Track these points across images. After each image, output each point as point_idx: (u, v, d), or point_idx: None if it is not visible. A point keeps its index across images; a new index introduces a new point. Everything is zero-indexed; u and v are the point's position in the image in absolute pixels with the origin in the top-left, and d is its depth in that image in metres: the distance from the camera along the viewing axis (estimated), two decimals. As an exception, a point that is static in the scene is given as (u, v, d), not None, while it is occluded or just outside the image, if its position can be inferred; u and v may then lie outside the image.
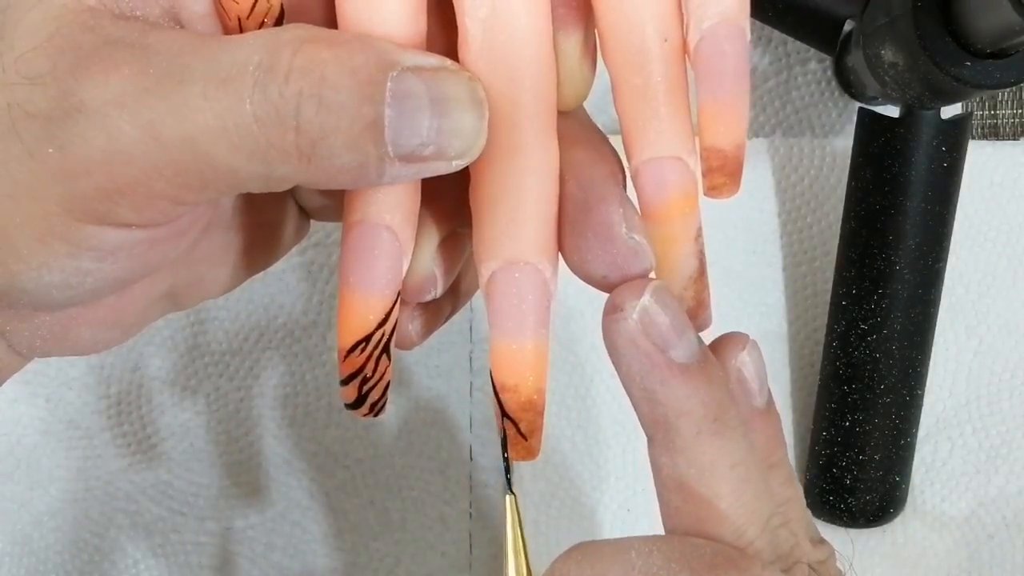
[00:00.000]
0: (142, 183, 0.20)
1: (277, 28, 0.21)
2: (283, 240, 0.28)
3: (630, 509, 0.44)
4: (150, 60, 0.20)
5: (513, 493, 0.24)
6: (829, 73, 0.47)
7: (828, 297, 0.43)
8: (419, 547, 0.45)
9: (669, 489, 0.22)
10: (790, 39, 0.46)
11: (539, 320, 0.22)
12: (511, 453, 0.23)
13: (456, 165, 0.21)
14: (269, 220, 0.27)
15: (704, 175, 0.22)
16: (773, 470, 0.23)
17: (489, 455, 0.46)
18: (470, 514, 0.45)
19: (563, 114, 0.23)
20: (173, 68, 0.20)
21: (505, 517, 0.24)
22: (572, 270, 0.23)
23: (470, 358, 0.46)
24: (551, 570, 0.22)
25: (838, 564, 0.23)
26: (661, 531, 0.23)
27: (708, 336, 0.47)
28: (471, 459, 0.46)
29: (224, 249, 0.26)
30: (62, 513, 0.45)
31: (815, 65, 0.47)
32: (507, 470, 0.24)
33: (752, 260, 0.46)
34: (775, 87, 0.47)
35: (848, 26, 0.41)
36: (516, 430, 0.23)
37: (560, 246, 0.23)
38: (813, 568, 0.22)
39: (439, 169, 0.21)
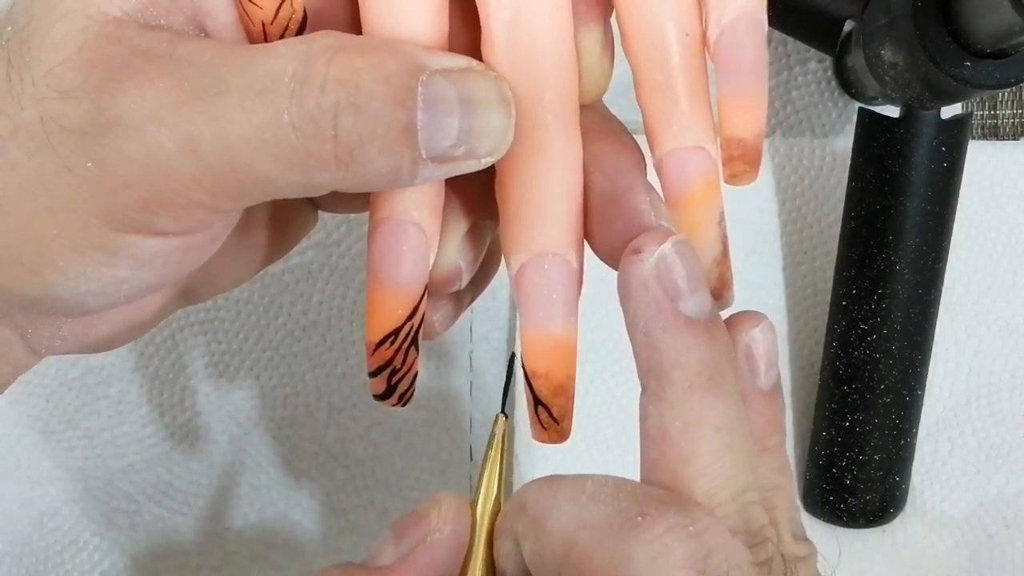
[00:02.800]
0: (181, 194, 0.20)
1: (308, 36, 0.21)
2: (295, 233, 0.28)
3: (630, 509, 0.44)
4: (183, 72, 0.20)
5: (505, 415, 0.25)
6: (829, 73, 0.47)
7: (828, 297, 0.43)
8: (419, 547, 0.45)
9: (651, 440, 0.22)
10: (790, 39, 0.46)
11: (568, 308, 0.23)
12: (544, 436, 0.24)
13: (485, 163, 0.22)
14: (280, 214, 0.27)
15: (724, 163, 0.23)
16: (766, 453, 0.24)
17: (489, 455, 0.46)
18: (470, 514, 0.45)
19: (584, 108, 0.23)
20: (207, 80, 0.20)
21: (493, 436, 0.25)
22: (602, 259, 0.23)
23: (470, 358, 0.46)
24: (516, 493, 0.23)
25: (819, 568, 0.23)
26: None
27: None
28: (471, 459, 0.46)
29: (237, 245, 0.27)
30: (62, 513, 0.45)
31: (815, 65, 0.47)
32: (505, 393, 0.25)
33: (752, 260, 0.46)
34: (775, 87, 0.47)
35: (848, 26, 0.41)
36: (548, 414, 0.23)
37: (589, 237, 0.23)
38: (787, 561, 0.22)
39: (469, 167, 0.21)
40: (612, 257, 0.23)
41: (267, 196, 0.21)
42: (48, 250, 0.21)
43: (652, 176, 0.24)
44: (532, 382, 0.23)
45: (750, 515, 0.22)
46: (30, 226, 0.21)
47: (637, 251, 0.22)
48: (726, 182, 0.23)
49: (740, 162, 0.23)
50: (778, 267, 0.46)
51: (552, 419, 0.23)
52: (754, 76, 0.22)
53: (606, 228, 0.23)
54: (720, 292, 0.24)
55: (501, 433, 0.25)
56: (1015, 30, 0.32)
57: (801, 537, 0.23)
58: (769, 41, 0.47)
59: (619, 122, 0.24)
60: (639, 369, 0.23)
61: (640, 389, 0.23)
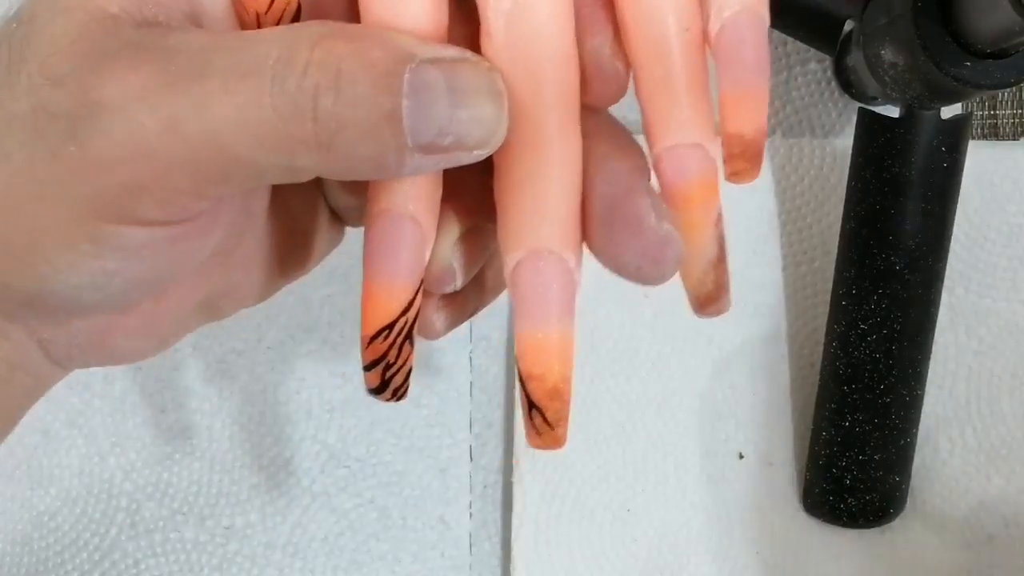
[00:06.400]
0: (164, 177, 0.20)
1: (296, 24, 0.21)
2: (317, 246, 0.28)
3: (630, 509, 0.44)
4: (171, 58, 0.20)
5: None
6: (829, 73, 0.47)
7: (828, 297, 0.43)
8: (419, 547, 0.45)
9: None
10: (790, 39, 0.46)
11: (564, 309, 0.22)
12: (538, 441, 0.23)
13: (477, 155, 0.21)
14: (302, 226, 0.27)
15: (726, 161, 0.23)
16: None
17: (489, 455, 0.46)
18: (470, 514, 0.45)
19: (586, 111, 0.23)
20: (193, 64, 0.20)
21: None
22: (604, 263, 0.23)
23: (470, 358, 0.46)
24: None
25: None
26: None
27: (711, 338, 0.47)
28: (471, 459, 0.46)
29: (258, 256, 0.27)
30: (62, 513, 0.45)
31: (815, 65, 0.47)
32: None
33: (752, 260, 0.46)
34: (775, 87, 0.47)
35: (848, 26, 0.41)
36: (542, 419, 0.23)
37: (590, 241, 0.23)
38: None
39: (460, 159, 0.21)
40: (614, 262, 0.23)
41: (252, 181, 0.21)
42: (38, 241, 0.21)
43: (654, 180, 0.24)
44: (526, 384, 0.23)
45: None
46: (20, 216, 0.21)
47: None
48: (727, 180, 0.23)
49: (741, 159, 0.23)
50: (778, 267, 0.46)
51: (546, 424, 0.23)
52: (756, 72, 0.22)
53: (607, 233, 0.23)
54: (716, 296, 0.24)
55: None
56: (1015, 30, 0.32)
57: None
58: (769, 41, 0.47)
59: (621, 125, 0.24)
60: None
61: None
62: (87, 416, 0.45)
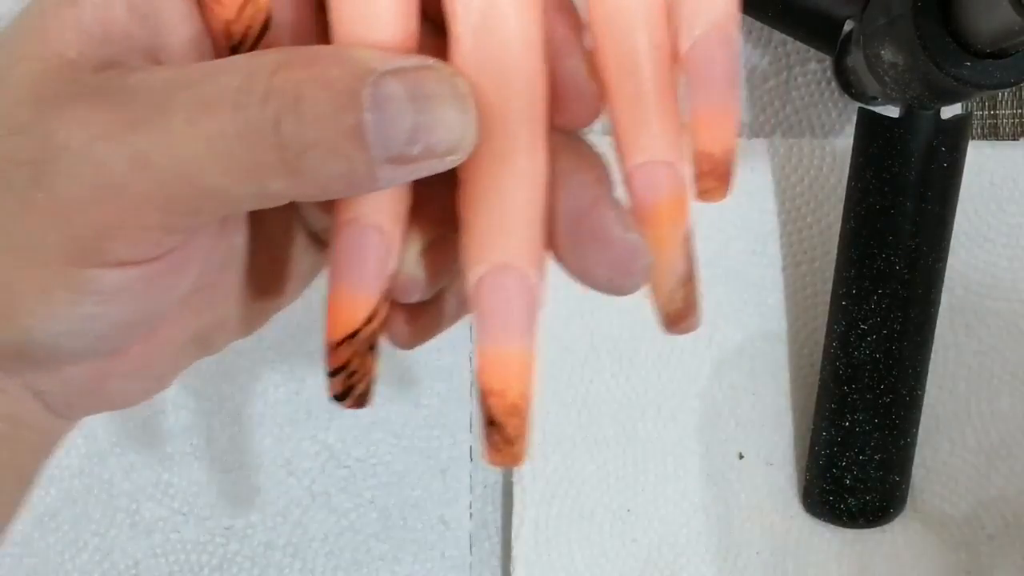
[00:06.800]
0: (134, 215, 0.20)
1: (257, 52, 0.21)
2: (300, 272, 0.28)
3: (630, 509, 0.44)
4: (133, 98, 0.20)
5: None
6: (829, 73, 0.47)
7: (828, 297, 0.43)
8: (419, 547, 0.45)
9: None
10: (790, 39, 0.46)
11: (526, 325, 0.22)
12: (496, 459, 0.23)
13: (450, 161, 0.21)
14: (283, 254, 0.27)
15: (696, 180, 0.23)
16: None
17: (489, 455, 0.46)
18: (470, 514, 0.45)
19: (552, 130, 0.23)
20: (156, 101, 0.20)
21: None
22: (575, 277, 0.23)
23: (470, 358, 0.46)
24: None
25: None
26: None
27: (711, 338, 0.47)
28: (471, 459, 0.46)
29: (242, 288, 0.27)
30: (61, 513, 0.45)
31: (815, 65, 0.47)
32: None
33: (752, 260, 0.46)
34: (775, 87, 0.47)
35: (848, 26, 0.41)
36: (500, 436, 0.23)
37: (558, 255, 0.23)
38: None
39: (433, 167, 0.21)
40: (583, 275, 0.23)
41: (223, 210, 0.21)
42: (16, 293, 0.21)
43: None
44: (486, 400, 0.22)
45: None
46: None
47: None
48: (696, 199, 0.23)
49: (711, 178, 0.22)
50: (778, 267, 0.46)
51: (504, 440, 0.23)
52: (726, 91, 0.22)
53: (574, 246, 0.23)
54: (685, 314, 0.24)
55: None
56: (1015, 30, 0.32)
57: None
58: (769, 41, 0.47)
59: (584, 138, 0.24)
60: None
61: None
62: (87, 416, 0.45)
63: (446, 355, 0.46)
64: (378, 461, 0.45)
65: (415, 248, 0.25)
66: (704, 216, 0.46)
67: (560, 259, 0.23)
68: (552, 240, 0.23)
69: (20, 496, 0.27)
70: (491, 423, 0.22)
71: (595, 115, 0.24)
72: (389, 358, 0.50)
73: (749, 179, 0.46)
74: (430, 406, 0.46)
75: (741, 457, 0.45)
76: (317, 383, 0.46)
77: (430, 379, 0.46)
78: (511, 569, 0.44)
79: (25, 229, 0.20)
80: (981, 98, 0.47)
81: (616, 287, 0.23)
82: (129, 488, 0.45)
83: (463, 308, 0.27)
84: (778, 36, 0.47)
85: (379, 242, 0.23)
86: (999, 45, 0.33)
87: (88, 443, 0.45)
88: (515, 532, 0.44)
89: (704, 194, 0.23)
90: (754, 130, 0.47)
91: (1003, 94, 0.47)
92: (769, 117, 0.47)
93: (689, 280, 0.23)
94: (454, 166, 0.22)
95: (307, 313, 0.46)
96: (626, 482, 0.45)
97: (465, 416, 0.46)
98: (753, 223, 0.46)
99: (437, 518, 0.45)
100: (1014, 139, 0.47)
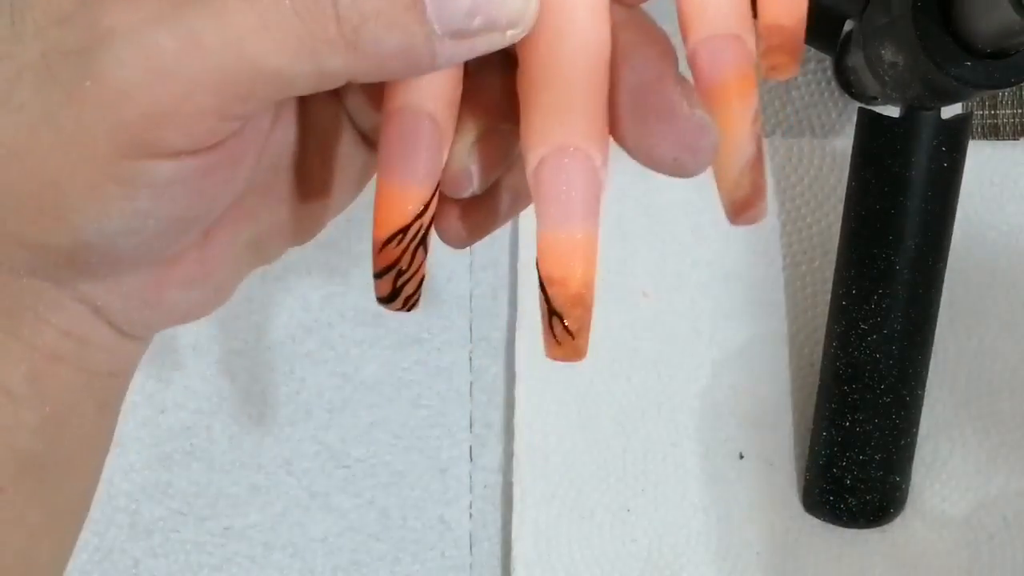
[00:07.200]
0: (187, 99, 0.20)
1: None
2: (351, 177, 0.27)
3: (630, 509, 0.44)
4: None
5: None
6: (829, 73, 0.47)
7: (828, 297, 0.43)
8: (419, 547, 0.45)
9: None
10: (790, 39, 0.46)
11: (589, 209, 0.21)
12: (558, 352, 0.22)
13: (512, 36, 0.21)
14: (333, 155, 0.26)
15: (763, 55, 0.22)
16: None
17: (489, 455, 0.46)
18: (470, 514, 0.45)
19: (615, 4, 0.22)
20: None
21: None
22: (638, 158, 0.22)
23: (470, 358, 0.46)
24: None
25: None
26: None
27: (711, 338, 0.47)
28: (471, 459, 0.46)
29: (293, 190, 0.26)
30: (62, 513, 0.45)
31: (815, 65, 0.47)
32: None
33: (752, 260, 0.46)
34: (775, 87, 0.47)
35: (848, 26, 0.41)
36: (563, 327, 0.22)
37: (620, 135, 0.22)
38: None
39: (494, 43, 0.21)
40: (647, 154, 0.22)
41: (279, 93, 0.21)
42: (65, 192, 0.20)
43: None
44: (547, 290, 0.21)
45: None
46: (44, 168, 0.20)
47: None
48: (765, 75, 0.22)
49: (780, 52, 0.22)
50: (778, 267, 0.46)
51: (567, 332, 0.22)
52: None
53: (639, 124, 0.21)
54: (752, 201, 0.22)
55: None
56: (1015, 30, 0.32)
57: None
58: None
59: (646, 13, 0.23)
60: None
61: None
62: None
63: (446, 355, 0.46)
64: (378, 461, 0.45)
65: (467, 139, 0.24)
66: (704, 216, 0.46)
67: (621, 139, 0.22)
68: (613, 119, 0.22)
69: (107, 430, 0.26)
70: (553, 313, 0.21)
71: None
72: (390, 358, 0.51)
73: (749, 179, 0.46)
74: (430, 406, 0.46)
75: (741, 457, 0.45)
76: (317, 383, 0.46)
77: (430, 379, 0.46)
78: (511, 569, 0.44)
79: (73, 122, 0.20)
80: (981, 98, 0.47)
81: (681, 166, 0.22)
82: (129, 488, 0.45)
83: (518, 203, 0.26)
84: (778, 36, 0.47)
85: (431, 131, 0.22)
86: (999, 45, 0.33)
87: (88, 443, 0.45)
88: (515, 532, 0.44)
89: (773, 70, 0.22)
90: (754, 130, 0.47)
91: (1003, 94, 0.47)
92: (769, 117, 0.47)
93: (757, 163, 0.22)
94: (514, 41, 0.21)
95: (307, 313, 0.46)
96: (626, 482, 0.45)
97: (465, 416, 0.46)
98: (753, 223, 0.46)
99: (437, 518, 0.45)
100: (1014, 139, 0.47)
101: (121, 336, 0.25)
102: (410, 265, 0.23)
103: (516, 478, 0.44)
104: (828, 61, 0.46)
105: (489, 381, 0.46)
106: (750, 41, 0.22)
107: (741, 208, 0.22)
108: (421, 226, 0.22)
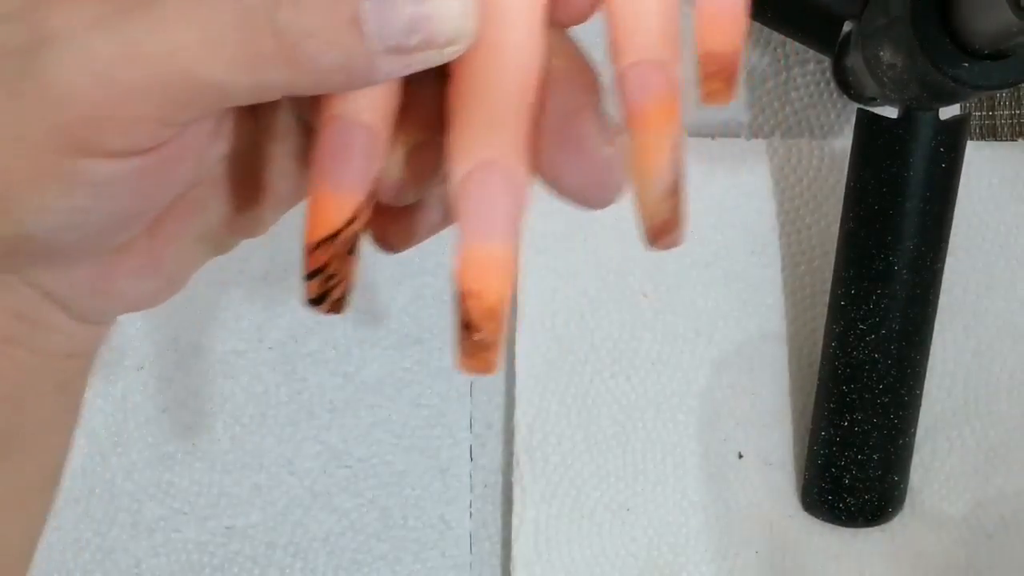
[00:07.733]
0: (125, 105, 0.20)
1: None
2: (303, 170, 0.27)
3: (630, 509, 0.45)
4: None
5: None
6: (828, 74, 0.47)
7: (827, 297, 0.43)
8: (420, 546, 0.45)
9: None
10: (789, 40, 0.47)
11: (510, 224, 0.21)
12: (469, 365, 0.22)
13: (450, 52, 0.21)
14: (283, 148, 0.26)
15: (701, 81, 0.22)
16: None
17: (489, 455, 0.46)
18: (470, 514, 0.45)
19: (549, 28, 0.22)
20: None
21: None
22: (547, 184, 0.22)
23: (470, 358, 0.46)
24: None
25: None
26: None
27: (711, 338, 0.47)
28: (471, 459, 0.46)
29: (246, 184, 0.26)
30: (63, 513, 0.45)
31: (814, 66, 0.47)
32: None
33: (752, 260, 0.46)
34: (774, 88, 0.47)
35: (847, 27, 0.41)
36: (475, 341, 0.22)
37: (535, 162, 0.22)
38: None
39: (432, 59, 0.21)
40: (550, 180, 0.22)
41: (219, 103, 0.21)
42: (7, 185, 0.21)
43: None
44: (463, 302, 0.21)
45: None
46: None
47: None
48: (701, 102, 0.22)
49: (717, 79, 0.22)
50: (777, 267, 0.46)
51: (478, 345, 0.21)
52: None
53: (552, 151, 0.22)
54: (669, 227, 0.22)
55: None
56: (1013, 31, 0.32)
57: None
58: (768, 42, 0.47)
59: (576, 43, 0.23)
60: None
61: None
62: (89, 416, 0.45)
63: (446, 355, 0.46)
64: (379, 461, 0.45)
65: (401, 150, 0.24)
66: (704, 216, 0.46)
67: (534, 164, 0.22)
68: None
69: (69, 408, 0.26)
70: (466, 326, 0.21)
71: (592, 10, 0.23)
72: (391, 358, 0.51)
73: (748, 179, 0.46)
74: (430, 406, 0.46)
75: (740, 457, 0.45)
76: (319, 383, 0.46)
77: (430, 379, 0.46)
78: (511, 569, 0.44)
79: (14, 119, 0.20)
80: (979, 99, 0.47)
81: (587, 199, 0.22)
82: (131, 488, 0.45)
83: (449, 216, 0.26)
84: (777, 37, 0.47)
85: (366, 140, 0.22)
86: (997, 46, 0.34)
87: (90, 443, 0.45)
88: (515, 532, 0.44)
89: (709, 96, 0.22)
90: (753, 131, 0.47)
91: (1001, 95, 0.47)
92: (768, 118, 0.47)
93: (676, 191, 0.22)
94: (453, 58, 0.21)
95: (307, 313, 0.46)
96: (626, 482, 0.45)
97: (465, 416, 0.46)
98: (752, 223, 0.46)
99: (437, 518, 0.45)
100: (1012, 140, 0.47)
101: (77, 322, 0.25)
102: (339, 270, 0.23)
103: (516, 478, 0.44)
104: (827, 62, 0.46)
105: (489, 381, 0.46)
106: (677, 69, 0.22)
107: (659, 233, 0.22)
108: (352, 232, 0.23)
